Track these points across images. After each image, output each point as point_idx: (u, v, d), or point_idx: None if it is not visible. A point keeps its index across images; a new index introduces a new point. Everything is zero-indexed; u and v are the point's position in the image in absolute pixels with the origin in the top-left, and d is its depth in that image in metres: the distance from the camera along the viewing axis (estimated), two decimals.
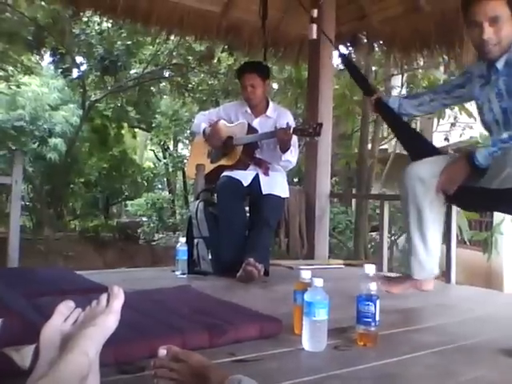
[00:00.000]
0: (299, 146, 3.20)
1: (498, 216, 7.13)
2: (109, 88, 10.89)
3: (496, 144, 1.81)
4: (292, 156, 2.92)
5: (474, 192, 1.95)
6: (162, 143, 12.95)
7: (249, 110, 3.04)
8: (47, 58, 11.18)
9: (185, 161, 11.17)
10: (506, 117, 1.92)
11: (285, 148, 2.79)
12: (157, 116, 11.38)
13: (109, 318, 0.93)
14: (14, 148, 9.08)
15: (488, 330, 1.71)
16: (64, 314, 0.94)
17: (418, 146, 2.28)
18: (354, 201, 9.09)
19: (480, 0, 1.82)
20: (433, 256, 2.05)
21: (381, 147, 7.72)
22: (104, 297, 0.98)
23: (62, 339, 0.89)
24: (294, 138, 2.86)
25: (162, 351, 0.99)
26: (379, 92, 2.54)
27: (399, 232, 7.40)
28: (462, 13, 1.92)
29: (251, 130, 2.95)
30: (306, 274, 1.49)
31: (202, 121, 3.15)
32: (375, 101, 2.39)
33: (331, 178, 4.05)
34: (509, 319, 1.92)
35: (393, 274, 2.84)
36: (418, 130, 8.32)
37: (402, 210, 2.12)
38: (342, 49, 4.24)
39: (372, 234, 7.71)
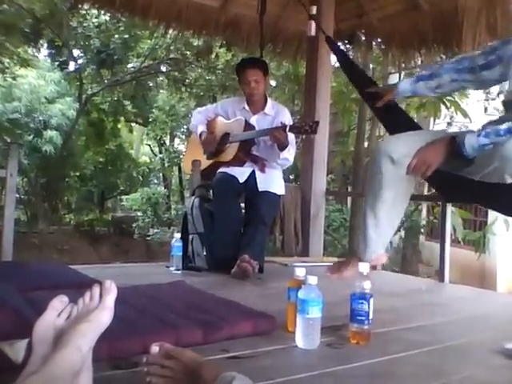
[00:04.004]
0: (296, 143, 3.20)
1: (491, 216, 7.16)
2: (105, 81, 10.84)
3: (489, 135, 1.64)
4: (290, 154, 2.91)
5: (454, 180, 1.81)
6: (158, 138, 12.92)
7: (247, 107, 3.04)
8: (44, 50, 11.14)
9: (181, 156, 11.16)
10: None
11: (282, 146, 2.78)
12: (153, 110, 11.35)
13: (103, 314, 0.93)
14: (9, 140, 9.04)
15: (481, 330, 1.71)
16: (57, 309, 0.94)
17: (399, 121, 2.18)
18: (349, 198, 9.10)
19: None
20: (380, 238, 1.97)
21: None
22: (96, 291, 0.98)
23: (56, 334, 0.89)
24: (292, 136, 2.86)
25: (155, 348, 0.99)
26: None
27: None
28: None
29: (248, 126, 2.94)
30: (300, 272, 1.49)
31: (199, 121, 3.13)
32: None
33: (327, 176, 4.05)
34: (502, 319, 1.93)
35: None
36: None
37: (366, 184, 2.03)
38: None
39: None
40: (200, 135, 3.08)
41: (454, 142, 1.69)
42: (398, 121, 2.25)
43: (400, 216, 2.03)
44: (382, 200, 1.92)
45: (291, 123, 2.80)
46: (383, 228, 1.97)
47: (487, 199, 1.88)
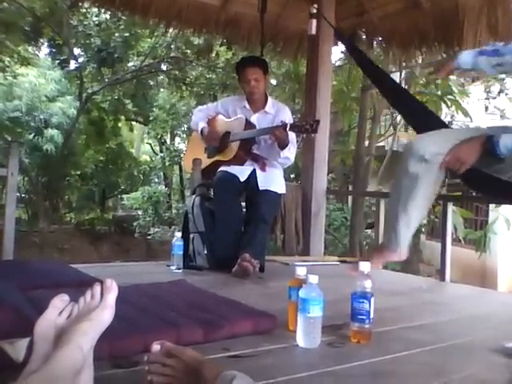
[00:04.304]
0: (297, 142, 3.20)
1: (492, 215, 7.15)
2: (106, 80, 10.84)
3: None
4: (290, 153, 2.91)
5: (483, 176, 1.83)
6: (158, 137, 12.92)
7: (247, 106, 3.03)
8: (44, 48, 11.14)
9: (182, 155, 11.16)
10: None
11: (282, 145, 2.78)
12: (154, 109, 11.35)
13: (104, 313, 0.93)
14: (10, 139, 9.05)
15: (481, 329, 1.71)
16: (58, 308, 0.94)
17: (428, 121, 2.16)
18: (350, 198, 9.10)
19: None
20: (408, 235, 2.03)
21: (378, 144, 7.72)
22: (97, 290, 0.98)
23: (57, 333, 0.89)
24: (292, 135, 2.86)
25: (156, 347, 0.99)
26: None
27: None
28: None
29: (249, 125, 2.94)
30: (301, 271, 1.49)
31: (200, 118, 3.13)
32: None
33: (328, 175, 4.05)
34: (502, 318, 1.93)
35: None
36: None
37: (394, 182, 2.03)
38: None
39: (367, 231, 7.73)
40: (201, 131, 3.07)
41: (489, 141, 1.71)
42: (423, 117, 2.25)
43: (423, 217, 2.10)
44: (415, 199, 1.95)
45: (292, 122, 2.79)
46: (412, 226, 2.03)
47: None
